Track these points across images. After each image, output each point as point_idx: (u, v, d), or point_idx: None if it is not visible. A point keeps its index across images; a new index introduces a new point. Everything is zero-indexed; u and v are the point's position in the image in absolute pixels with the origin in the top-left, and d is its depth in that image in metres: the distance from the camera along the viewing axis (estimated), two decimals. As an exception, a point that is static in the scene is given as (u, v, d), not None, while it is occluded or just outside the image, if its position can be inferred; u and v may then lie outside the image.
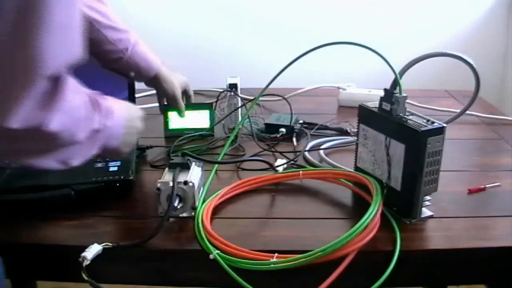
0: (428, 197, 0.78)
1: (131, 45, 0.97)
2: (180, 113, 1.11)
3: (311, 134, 1.10)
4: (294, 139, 1.09)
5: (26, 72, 0.54)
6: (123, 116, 0.74)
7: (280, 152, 1.02)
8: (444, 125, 0.75)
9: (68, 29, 0.57)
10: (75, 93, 0.62)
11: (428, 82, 1.54)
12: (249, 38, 1.93)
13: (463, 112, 1.10)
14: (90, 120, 0.65)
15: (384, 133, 0.79)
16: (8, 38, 0.53)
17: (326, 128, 1.14)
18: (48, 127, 0.57)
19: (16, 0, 0.52)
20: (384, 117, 0.79)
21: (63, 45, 0.57)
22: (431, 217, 0.79)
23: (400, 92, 0.77)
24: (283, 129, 1.10)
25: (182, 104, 1.11)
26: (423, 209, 0.79)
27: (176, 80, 1.10)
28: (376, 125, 0.81)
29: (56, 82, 0.57)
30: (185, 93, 1.14)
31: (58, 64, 0.57)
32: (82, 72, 0.74)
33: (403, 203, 0.78)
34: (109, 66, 0.97)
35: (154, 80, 1.07)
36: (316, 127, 1.13)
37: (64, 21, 0.56)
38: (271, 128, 1.11)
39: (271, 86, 0.98)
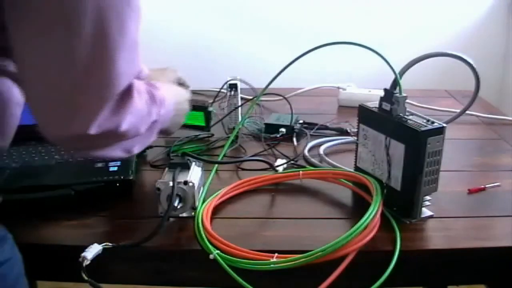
0: (428, 197, 0.78)
1: None
2: None
3: (311, 134, 1.10)
4: (294, 139, 1.09)
5: (103, 89, 0.61)
6: (172, 101, 0.80)
7: (280, 153, 1.02)
8: (444, 125, 0.75)
9: (136, 44, 0.62)
10: (139, 94, 0.67)
11: (428, 82, 1.54)
12: (249, 38, 1.93)
13: (463, 112, 1.10)
14: (149, 114, 0.71)
15: (384, 133, 0.79)
16: (87, 58, 0.57)
17: (326, 128, 1.14)
18: (120, 129, 0.64)
19: (95, 22, 0.56)
20: (384, 117, 0.79)
21: (133, 60, 0.62)
22: (431, 217, 0.79)
23: (400, 92, 0.77)
24: (283, 129, 1.10)
25: None
26: (423, 209, 0.79)
27: (166, 78, 1.07)
28: (376, 125, 0.81)
29: (126, 90, 0.63)
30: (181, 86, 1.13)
31: (129, 78, 0.63)
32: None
33: (403, 203, 0.78)
34: None
35: None
36: (316, 127, 1.13)
37: (134, 37, 0.61)
38: (271, 128, 1.11)
39: (271, 86, 0.98)
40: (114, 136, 0.66)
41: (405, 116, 0.77)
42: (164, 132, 0.85)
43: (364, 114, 0.84)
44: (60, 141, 0.66)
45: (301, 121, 1.15)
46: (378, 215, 0.74)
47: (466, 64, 0.88)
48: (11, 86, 0.67)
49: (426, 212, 0.79)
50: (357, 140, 0.87)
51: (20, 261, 0.66)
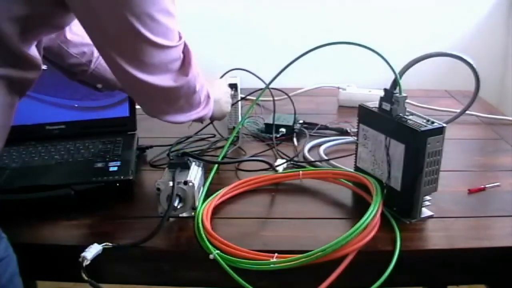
0: (428, 197, 0.78)
1: (95, 58, 0.95)
2: None
3: (310, 135, 1.10)
4: (294, 139, 1.09)
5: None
6: (213, 98, 0.92)
7: (280, 152, 1.02)
8: (444, 125, 0.75)
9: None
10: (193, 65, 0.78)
11: (428, 82, 1.54)
12: (249, 38, 1.93)
13: (463, 112, 1.10)
14: (202, 88, 0.83)
15: (384, 133, 0.79)
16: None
17: (326, 128, 1.14)
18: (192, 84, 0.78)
19: None
20: (384, 117, 0.79)
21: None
22: (431, 217, 0.79)
23: (400, 92, 0.77)
24: (283, 129, 1.10)
25: None
26: (423, 209, 0.79)
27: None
28: (376, 125, 0.81)
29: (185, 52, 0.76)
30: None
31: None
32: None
33: (403, 203, 0.78)
34: (75, 78, 0.96)
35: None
36: (317, 127, 1.13)
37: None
38: (271, 128, 1.11)
39: (271, 86, 0.98)
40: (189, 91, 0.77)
41: (405, 116, 0.77)
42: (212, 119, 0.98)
43: (364, 114, 0.84)
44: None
45: (301, 121, 1.15)
46: (378, 215, 0.74)
47: (466, 64, 0.88)
48: (2, 89, 0.66)
49: (426, 212, 0.79)
50: (357, 140, 0.87)
51: (14, 261, 0.65)
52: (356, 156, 0.88)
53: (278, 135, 1.09)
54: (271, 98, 1.27)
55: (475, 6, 2.01)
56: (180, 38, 0.74)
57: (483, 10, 2.01)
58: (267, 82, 0.99)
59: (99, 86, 1.00)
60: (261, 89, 1.03)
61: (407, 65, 0.80)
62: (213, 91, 0.92)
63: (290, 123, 1.11)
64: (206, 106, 0.88)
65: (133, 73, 0.69)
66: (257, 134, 1.12)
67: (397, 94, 0.77)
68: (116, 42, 0.68)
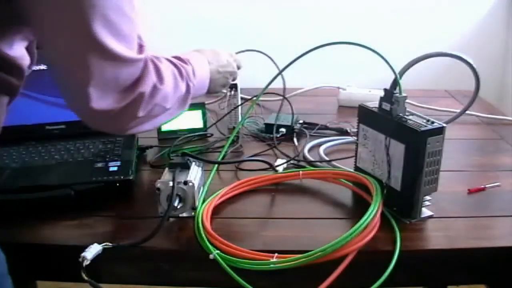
0: (428, 197, 0.78)
1: None
2: None
3: (310, 135, 1.10)
4: (295, 139, 1.09)
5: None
6: (205, 70, 0.90)
7: (281, 152, 1.02)
8: (444, 125, 0.75)
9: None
10: (167, 71, 0.73)
11: (428, 82, 1.54)
12: (249, 38, 1.93)
13: (463, 112, 1.10)
14: (176, 89, 0.76)
15: (384, 133, 0.79)
16: None
17: (326, 128, 1.14)
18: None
19: None
20: (384, 117, 0.79)
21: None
22: (431, 217, 0.79)
23: (400, 92, 0.77)
24: (283, 129, 1.10)
25: None
26: (423, 209, 0.79)
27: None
28: (376, 125, 0.81)
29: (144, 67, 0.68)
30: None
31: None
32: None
33: (403, 203, 0.78)
34: None
35: None
36: (317, 127, 1.13)
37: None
38: (271, 128, 1.11)
39: (271, 86, 0.98)
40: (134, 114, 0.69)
41: (405, 116, 0.77)
42: (209, 94, 0.94)
43: (364, 114, 0.84)
44: (86, 117, 0.67)
45: (301, 121, 1.15)
46: (378, 215, 0.74)
47: (466, 64, 0.88)
48: None
49: (426, 212, 0.79)
50: (357, 140, 0.87)
51: (3, 261, 0.65)
52: (356, 156, 0.88)
53: (278, 135, 1.09)
54: (271, 98, 1.28)
55: (475, 6, 2.01)
56: (142, 49, 0.67)
57: (483, 10, 2.01)
58: (267, 82, 0.99)
59: None
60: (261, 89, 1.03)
61: (407, 65, 0.80)
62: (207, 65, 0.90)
63: (290, 123, 1.11)
64: (185, 101, 0.81)
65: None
66: (257, 134, 1.12)
67: (397, 94, 0.77)
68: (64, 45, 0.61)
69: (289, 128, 1.11)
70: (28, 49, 0.69)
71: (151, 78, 0.68)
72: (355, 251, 0.69)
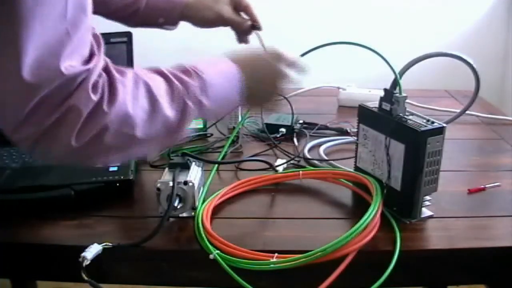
0: (428, 197, 0.78)
1: None
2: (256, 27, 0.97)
3: (310, 135, 1.10)
4: (295, 139, 1.09)
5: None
6: (229, 80, 0.70)
7: (282, 151, 1.02)
8: (444, 125, 0.75)
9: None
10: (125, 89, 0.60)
11: (428, 82, 1.54)
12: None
13: (463, 112, 1.10)
14: (155, 112, 0.62)
15: (384, 133, 0.79)
16: None
17: (326, 128, 1.14)
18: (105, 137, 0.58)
19: None
20: (384, 117, 0.79)
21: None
22: (431, 217, 0.79)
23: (400, 92, 0.77)
24: (283, 129, 1.10)
25: (243, 20, 0.97)
26: (423, 209, 0.79)
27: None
28: (376, 125, 0.81)
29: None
30: (237, 5, 0.99)
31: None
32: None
33: (403, 203, 0.78)
34: (133, 23, 0.91)
35: (188, 14, 0.96)
36: (317, 127, 1.13)
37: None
38: (271, 128, 1.11)
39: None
40: (98, 145, 0.58)
41: (405, 116, 0.77)
42: (249, 106, 0.78)
43: (364, 114, 0.84)
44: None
45: (301, 121, 1.15)
46: (378, 215, 0.74)
47: (466, 64, 0.88)
48: None
49: (426, 212, 0.79)
50: (357, 140, 0.86)
51: None
52: (356, 156, 0.88)
53: (278, 135, 1.09)
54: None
55: (475, 6, 2.01)
56: (92, 57, 0.56)
57: (483, 10, 2.01)
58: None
59: (161, 20, 0.93)
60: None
61: (407, 65, 0.80)
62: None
63: (290, 123, 1.11)
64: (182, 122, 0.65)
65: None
66: (257, 134, 1.12)
67: (397, 94, 0.77)
68: None
69: (289, 128, 1.11)
70: None
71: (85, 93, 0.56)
72: (355, 251, 0.69)
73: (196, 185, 0.78)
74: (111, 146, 0.60)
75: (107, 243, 0.69)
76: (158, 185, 0.76)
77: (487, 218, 0.80)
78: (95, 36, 0.58)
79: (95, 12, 0.83)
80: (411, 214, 0.78)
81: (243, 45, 0.90)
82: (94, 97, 0.56)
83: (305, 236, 0.75)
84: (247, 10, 0.99)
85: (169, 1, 0.96)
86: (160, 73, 0.65)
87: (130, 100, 0.59)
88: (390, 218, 0.77)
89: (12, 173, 0.87)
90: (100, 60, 0.57)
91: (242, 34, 1.01)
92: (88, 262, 0.66)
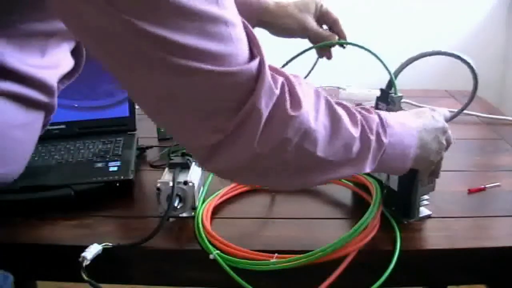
0: (426, 196, 0.78)
1: None
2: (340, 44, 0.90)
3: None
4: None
5: None
6: (407, 125, 0.64)
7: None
8: None
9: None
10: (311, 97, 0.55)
11: (428, 82, 1.55)
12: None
13: (460, 111, 1.09)
14: (339, 132, 0.56)
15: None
16: None
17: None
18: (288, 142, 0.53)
19: None
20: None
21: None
22: (429, 216, 0.79)
23: (395, 92, 0.77)
24: None
25: (328, 34, 0.91)
26: (421, 208, 0.79)
27: (297, 7, 0.88)
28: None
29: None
30: (323, 17, 0.93)
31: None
32: (82, 72, 0.74)
33: (400, 203, 0.78)
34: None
35: (267, 21, 0.91)
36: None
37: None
38: None
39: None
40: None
41: None
42: (418, 165, 0.67)
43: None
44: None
45: None
46: (378, 215, 0.74)
47: (463, 62, 0.87)
48: (7, 107, 0.58)
49: (424, 211, 0.79)
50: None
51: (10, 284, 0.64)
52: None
53: None
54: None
55: (475, 6, 2.01)
56: (253, 56, 0.50)
57: (483, 10, 2.01)
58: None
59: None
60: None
61: (402, 64, 0.80)
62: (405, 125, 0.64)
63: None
64: (366, 157, 0.59)
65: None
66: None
67: (393, 94, 0.77)
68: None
69: None
70: (75, 51, 0.62)
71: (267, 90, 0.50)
72: (355, 251, 0.69)
73: (196, 185, 0.78)
74: (290, 162, 0.54)
75: (107, 243, 0.69)
76: (158, 185, 0.76)
77: (487, 218, 0.80)
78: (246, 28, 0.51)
79: None
80: (409, 214, 0.77)
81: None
82: (276, 91, 0.51)
83: (305, 236, 0.75)
84: (335, 24, 0.93)
85: (245, 7, 0.89)
86: (336, 102, 0.59)
87: (313, 112, 0.54)
88: (390, 218, 0.77)
89: (12, 173, 0.87)
90: (263, 52, 0.51)
91: (323, 49, 0.95)
92: (88, 262, 0.66)
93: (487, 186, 0.88)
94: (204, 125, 0.50)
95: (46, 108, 0.64)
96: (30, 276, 0.90)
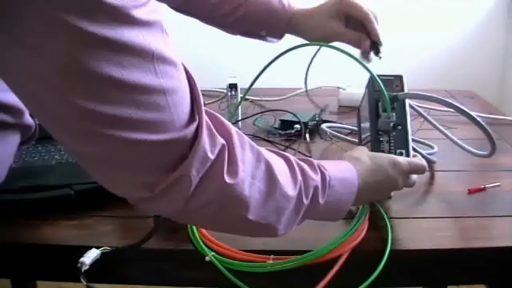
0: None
1: None
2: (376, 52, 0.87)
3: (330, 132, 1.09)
4: (307, 136, 1.08)
5: None
6: (348, 189, 0.65)
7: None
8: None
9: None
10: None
11: (428, 82, 1.54)
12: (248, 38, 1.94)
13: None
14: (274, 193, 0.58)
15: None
16: None
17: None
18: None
19: None
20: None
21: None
22: (428, 217, 0.79)
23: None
24: (297, 126, 1.09)
25: (358, 36, 0.88)
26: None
27: (324, 11, 0.85)
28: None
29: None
30: (351, 15, 0.89)
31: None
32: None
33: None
34: (233, 29, 0.88)
35: (295, 28, 0.89)
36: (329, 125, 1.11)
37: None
38: (286, 125, 1.10)
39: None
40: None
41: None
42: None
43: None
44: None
45: (317, 119, 1.14)
46: (367, 216, 0.74)
47: (470, 119, 0.84)
48: None
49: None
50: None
51: None
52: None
53: (292, 131, 1.08)
54: (272, 98, 1.28)
55: (475, 5, 2.01)
56: (193, 119, 0.50)
57: (482, 10, 2.01)
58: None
59: (263, 33, 0.86)
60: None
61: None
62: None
63: (305, 120, 1.10)
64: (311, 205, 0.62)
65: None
66: (271, 131, 1.10)
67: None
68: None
69: (305, 125, 1.09)
70: None
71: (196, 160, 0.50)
72: (349, 251, 0.68)
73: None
74: (220, 221, 0.57)
75: (106, 247, 0.69)
76: (158, 185, 0.76)
77: (487, 218, 0.80)
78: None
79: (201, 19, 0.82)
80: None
81: (364, 150, 0.76)
82: (212, 156, 0.51)
83: (302, 237, 0.75)
84: (364, 23, 0.89)
85: (272, 14, 0.88)
86: (284, 157, 0.60)
87: (249, 178, 0.54)
88: (386, 219, 0.77)
89: (12, 173, 0.87)
90: (203, 114, 0.51)
91: (362, 52, 0.92)
92: (87, 267, 0.66)
93: (487, 186, 0.88)
94: (133, 181, 0.51)
95: (17, 127, 0.63)
96: (30, 276, 0.90)
